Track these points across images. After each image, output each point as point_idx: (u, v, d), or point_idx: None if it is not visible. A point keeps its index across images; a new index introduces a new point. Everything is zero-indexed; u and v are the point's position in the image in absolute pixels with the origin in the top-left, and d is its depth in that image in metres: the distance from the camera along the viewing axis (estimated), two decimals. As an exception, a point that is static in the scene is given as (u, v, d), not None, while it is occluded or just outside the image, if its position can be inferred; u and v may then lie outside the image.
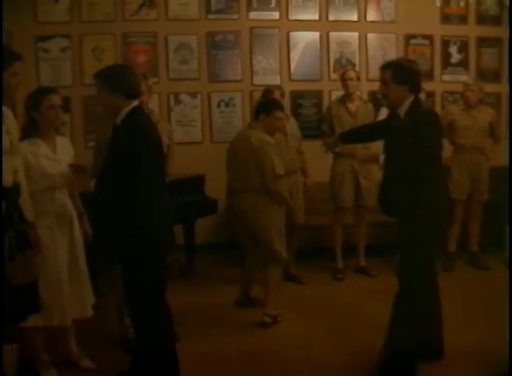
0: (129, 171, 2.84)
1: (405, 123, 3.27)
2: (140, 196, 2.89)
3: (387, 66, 3.32)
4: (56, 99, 3.31)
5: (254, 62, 6.05)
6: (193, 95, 5.96)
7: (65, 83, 5.65)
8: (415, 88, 3.29)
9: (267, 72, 6.05)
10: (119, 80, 2.95)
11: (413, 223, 3.21)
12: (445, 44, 6.33)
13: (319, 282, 5.09)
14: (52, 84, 5.05)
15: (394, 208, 3.30)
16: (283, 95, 5.09)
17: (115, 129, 2.99)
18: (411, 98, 3.27)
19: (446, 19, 6.29)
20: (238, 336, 3.98)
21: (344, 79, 5.22)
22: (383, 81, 3.31)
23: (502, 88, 6.23)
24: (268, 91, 5.06)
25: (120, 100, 2.94)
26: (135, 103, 2.99)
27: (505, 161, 4.99)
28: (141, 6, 5.93)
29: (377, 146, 4.18)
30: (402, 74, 3.26)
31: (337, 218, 5.31)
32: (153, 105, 5.23)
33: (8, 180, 2.91)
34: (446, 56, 6.36)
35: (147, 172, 2.89)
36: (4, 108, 3.08)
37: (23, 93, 3.14)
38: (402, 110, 3.30)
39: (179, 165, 4.85)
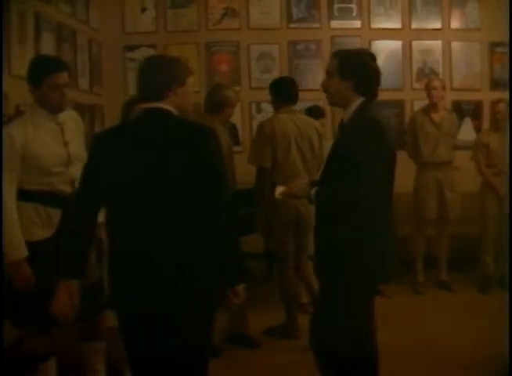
0: None
1: (343, 133, 2.69)
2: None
3: (335, 55, 2.72)
4: None
5: (335, 71, 6.03)
6: (275, 104, 5.99)
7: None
8: (364, 89, 2.62)
9: (348, 81, 6.02)
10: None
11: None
12: (532, 52, 6.14)
13: (400, 295, 5.01)
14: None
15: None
16: None
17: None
18: (359, 100, 2.62)
19: (535, 25, 6.07)
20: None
21: (428, 88, 5.13)
22: (327, 72, 2.71)
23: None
24: None
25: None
26: None
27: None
28: (224, 16, 6.03)
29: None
30: (348, 66, 2.62)
31: (419, 229, 5.24)
32: (236, 113, 5.27)
33: (65, 190, 2.92)
34: (533, 64, 6.17)
35: None
36: (69, 114, 3.07)
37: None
38: (347, 115, 2.66)
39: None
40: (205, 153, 2.24)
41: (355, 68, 2.62)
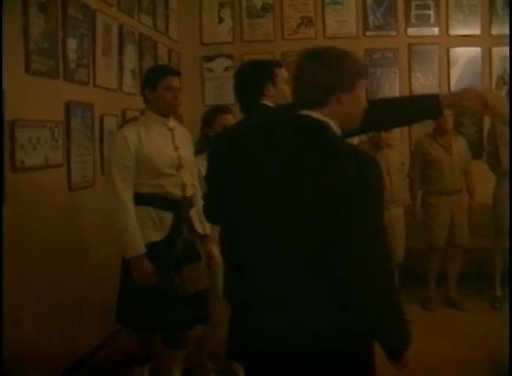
0: None
1: None
2: None
3: None
4: (230, 119, 3.45)
5: (412, 79, 5.97)
6: (351, 112, 5.97)
7: (228, 101, 5.83)
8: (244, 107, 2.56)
9: (426, 89, 5.91)
10: None
11: None
12: None
13: (477, 309, 4.86)
14: (215, 103, 5.34)
15: None
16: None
17: None
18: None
19: None
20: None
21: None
22: None
23: None
24: None
25: None
26: None
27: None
28: (299, 25, 6.06)
29: None
30: None
31: (497, 241, 5.08)
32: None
33: (177, 194, 3.05)
34: None
35: None
36: (178, 125, 3.28)
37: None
38: None
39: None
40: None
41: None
